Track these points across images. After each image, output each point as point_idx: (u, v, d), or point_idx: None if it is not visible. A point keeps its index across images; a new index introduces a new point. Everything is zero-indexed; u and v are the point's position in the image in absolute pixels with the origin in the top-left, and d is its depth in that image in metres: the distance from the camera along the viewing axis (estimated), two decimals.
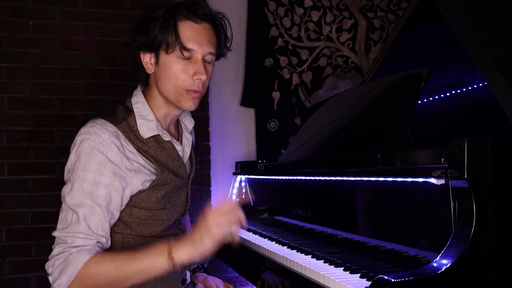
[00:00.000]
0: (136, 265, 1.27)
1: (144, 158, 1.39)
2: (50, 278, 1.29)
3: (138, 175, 1.37)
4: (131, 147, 1.38)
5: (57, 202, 2.54)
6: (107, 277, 1.27)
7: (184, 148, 1.55)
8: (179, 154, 1.50)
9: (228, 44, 1.50)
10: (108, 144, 1.33)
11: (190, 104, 1.42)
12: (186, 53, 1.37)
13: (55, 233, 1.32)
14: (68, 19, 2.65)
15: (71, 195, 1.32)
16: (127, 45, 1.43)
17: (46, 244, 2.54)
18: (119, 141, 1.36)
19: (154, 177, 1.40)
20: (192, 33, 1.38)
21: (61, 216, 1.33)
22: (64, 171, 1.41)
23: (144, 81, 1.47)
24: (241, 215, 1.32)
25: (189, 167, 1.59)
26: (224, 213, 1.32)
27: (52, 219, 2.53)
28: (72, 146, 1.39)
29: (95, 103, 2.65)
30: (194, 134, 1.69)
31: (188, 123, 1.60)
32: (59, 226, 1.32)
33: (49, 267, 1.29)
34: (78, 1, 2.67)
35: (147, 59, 1.41)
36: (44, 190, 2.56)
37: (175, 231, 1.53)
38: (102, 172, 1.32)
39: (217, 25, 1.44)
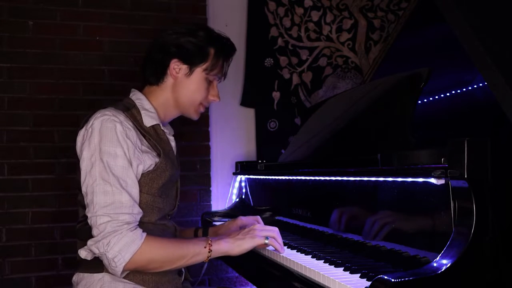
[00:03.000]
0: (187, 247, 1.42)
1: (149, 143, 1.52)
2: (105, 257, 1.35)
3: (148, 155, 1.49)
4: (138, 132, 1.50)
5: (57, 202, 2.56)
6: (163, 254, 1.40)
7: (174, 146, 1.69)
8: (172, 148, 1.65)
9: None
10: (125, 124, 1.45)
11: (197, 115, 1.67)
12: (213, 78, 1.63)
13: (99, 212, 1.36)
14: (68, 19, 2.64)
15: (106, 171, 1.38)
16: (165, 48, 1.58)
17: (46, 244, 2.55)
18: (132, 123, 1.48)
19: (158, 159, 1.51)
20: (226, 69, 1.68)
21: (97, 197, 1.37)
22: (80, 157, 1.45)
23: (156, 79, 1.61)
24: (281, 241, 1.53)
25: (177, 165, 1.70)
26: (272, 231, 1.52)
27: (52, 219, 2.55)
28: (87, 131, 1.44)
29: (95, 103, 2.63)
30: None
31: (170, 130, 1.73)
32: (99, 204, 1.37)
33: (103, 245, 1.34)
34: (78, 1, 2.66)
35: (177, 67, 1.59)
36: (44, 190, 2.56)
37: (168, 223, 1.61)
38: (128, 148, 1.43)
39: None
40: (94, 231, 1.37)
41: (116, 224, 1.35)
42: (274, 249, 1.53)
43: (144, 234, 1.39)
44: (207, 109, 2.85)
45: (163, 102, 1.61)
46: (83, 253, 1.46)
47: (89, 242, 1.38)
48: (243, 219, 1.71)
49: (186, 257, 1.42)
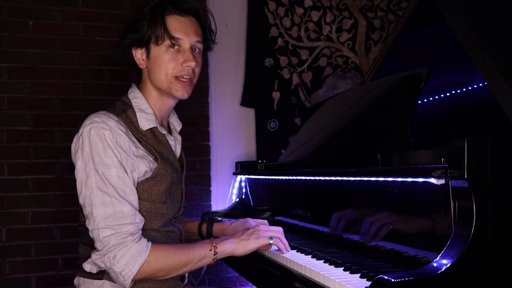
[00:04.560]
0: (192, 252, 1.41)
1: (145, 148, 1.46)
2: (112, 270, 1.32)
3: (144, 161, 1.44)
4: (132, 137, 1.44)
5: (57, 202, 2.56)
6: (170, 262, 1.38)
7: (175, 145, 1.62)
8: (172, 149, 1.58)
9: (213, 37, 1.63)
10: (116, 131, 1.39)
11: (182, 92, 1.51)
12: (174, 42, 1.48)
13: (101, 224, 1.33)
14: (68, 19, 2.65)
15: (103, 182, 1.35)
16: (118, 44, 1.56)
17: (46, 244, 2.55)
18: (124, 128, 1.42)
19: (156, 164, 1.46)
20: (179, 25, 1.50)
21: (97, 209, 1.34)
22: (75, 167, 1.41)
23: (137, 77, 1.57)
24: (285, 241, 1.53)
25: (180, 166, 1.64)
26: (276, 231, 1.52)
27: (52, 219, 2.55)
28: (79, 139, 1.40)
29: (95, 103, 2.64)
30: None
31: (177, 125, 1.69)
32: (100, 216, 1.33)
33: (109, 259, 1.32)
34: (78, 1, 2.67)
35: (138, 55, 1.53)
36: (44, 190, 2.56)
37: (172, 228, 1.56)
38: (120, 155, 1.38)
39: (201, 18, 1.57)
40: (98, 245, 1.34)
41: (120, 237, 1.32)
42: (277, 249, 1.53)
43: (149, 244, 1.36)
44: (207, 109, 2.85)
45: (151, 94, 1.54)
46: (87, 267, 1.42)
47: (94, 256, 1.35)
48: (251, 222, 1.66)
49: (192, 262, 1.41)
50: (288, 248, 1.53)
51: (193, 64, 1.49)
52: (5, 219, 2.49)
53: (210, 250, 1.43)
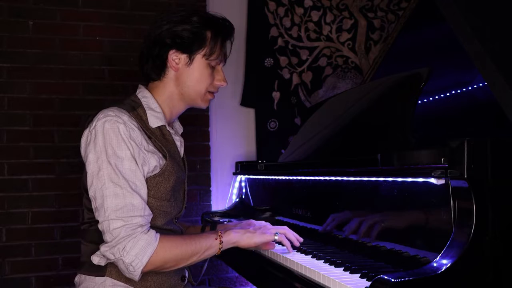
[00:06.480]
0: (199, 242, 1.43)
1: (154, 145, 1.48)
2: (122, 262, 1.33)
3: (154, 156, 1.46)
4: (143, 133, 1.47)
5: (57, 202, 2.56)
6: (178, 252, 1.40)
7: (180, 146, 1.64)
8: (178, 149, 1.60)
9: None
10: (129, 125, 1.41)
11: (206, 103, 1.62)
12: (220, 64, 1.59)
13: (112, 215, 1.33)
14: (68, 19, 2.64)
15: (116, 174, 1.36)
16: (160, 41, 1.53)
17: (46, 244, 2.55)
18: (136, 123, 1.45)
19: (164, 161, 1.48)
20: (228, 51, 1.63)
21: (108, 200, 1.35)
22: (86, 160, 1.42)
23: (156, 74, 1.56)
24: (292, 236, 1.57)
25: (183, 166, 1.66)
26: (282, 228, 1.57)
27: (52, 219, 2.55)
28: (91, 132, 1.41)
29: (95, 103, 2.65)
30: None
31: (178, 128, 1.71)
32: (111, 208, 1.34)
33: (119, 251, 1.32)
34: (78, 1, 2.66)
35: (175, 58, 1.53)
36: (44, 190, 2.56)
37: (174, 227, 1.58)
38: (133, 149, 1.40)
39: None
40: (108, 237, 1.34)
41: (130, 228, 1.33)
42: (283, 247, 1.54)
43: (158, 235, 1.37)
44: (207, 109, 2.85)
45: (168, 96, 1.56)
46: (96, 259, 1.42)
47: (103, 248, 1.35)
48: (255, 223, 1.69)
49: (199, 252, 1.43)
50: (300, 240, 1.57)
51: (225, 84, 1.62)
52: (5, 219, 2.49)
53: (216, 239, 1.45)
